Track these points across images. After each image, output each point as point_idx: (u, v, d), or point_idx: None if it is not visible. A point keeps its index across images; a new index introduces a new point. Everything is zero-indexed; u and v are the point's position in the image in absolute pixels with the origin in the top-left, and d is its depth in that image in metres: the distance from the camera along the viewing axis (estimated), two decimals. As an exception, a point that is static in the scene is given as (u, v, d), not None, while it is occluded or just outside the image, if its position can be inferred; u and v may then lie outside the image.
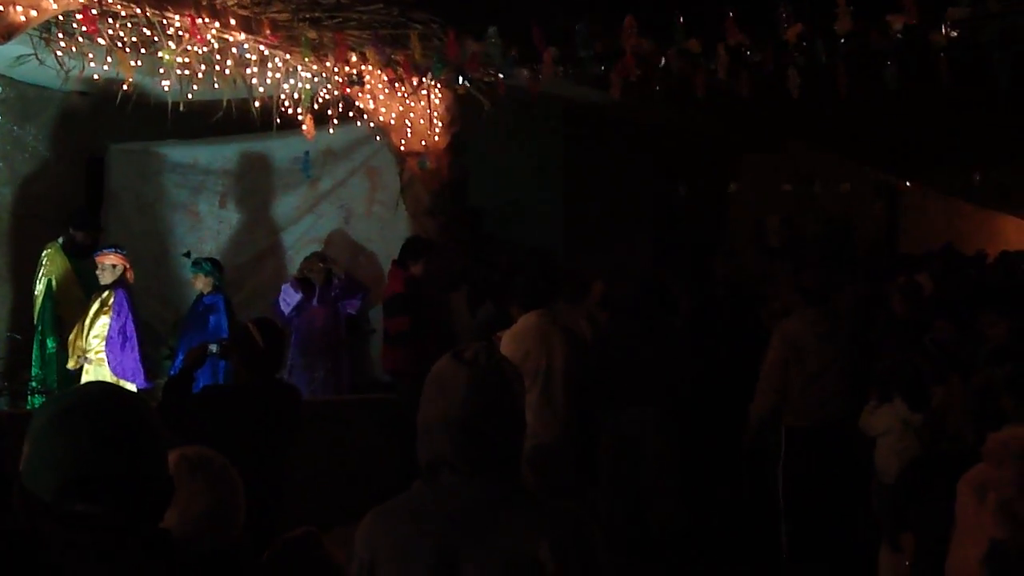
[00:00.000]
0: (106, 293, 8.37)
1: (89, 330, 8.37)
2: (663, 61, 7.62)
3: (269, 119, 8.18)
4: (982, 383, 6.14)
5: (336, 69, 8.15)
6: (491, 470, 2.33)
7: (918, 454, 6.44)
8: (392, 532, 2.35)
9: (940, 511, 4.44)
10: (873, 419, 6.94)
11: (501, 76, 8.36)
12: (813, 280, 7.25)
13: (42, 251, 8.89)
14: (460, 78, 8.39)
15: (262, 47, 7.63)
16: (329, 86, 8.43)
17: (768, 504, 7.44)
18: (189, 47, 7.10)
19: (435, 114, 9.02)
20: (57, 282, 8.76)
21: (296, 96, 8.14)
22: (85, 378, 8.22)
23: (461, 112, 9.24)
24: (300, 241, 9.99)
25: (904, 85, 7.30)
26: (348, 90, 8.38)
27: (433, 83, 8.61)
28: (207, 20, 7.03)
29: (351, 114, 8.81)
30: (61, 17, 6.85)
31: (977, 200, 22.25)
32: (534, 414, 6.54)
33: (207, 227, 10.25)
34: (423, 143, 9.10)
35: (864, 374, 7.24)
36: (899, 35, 6.88)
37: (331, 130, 8.78)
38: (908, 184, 18.34)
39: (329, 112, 8.57)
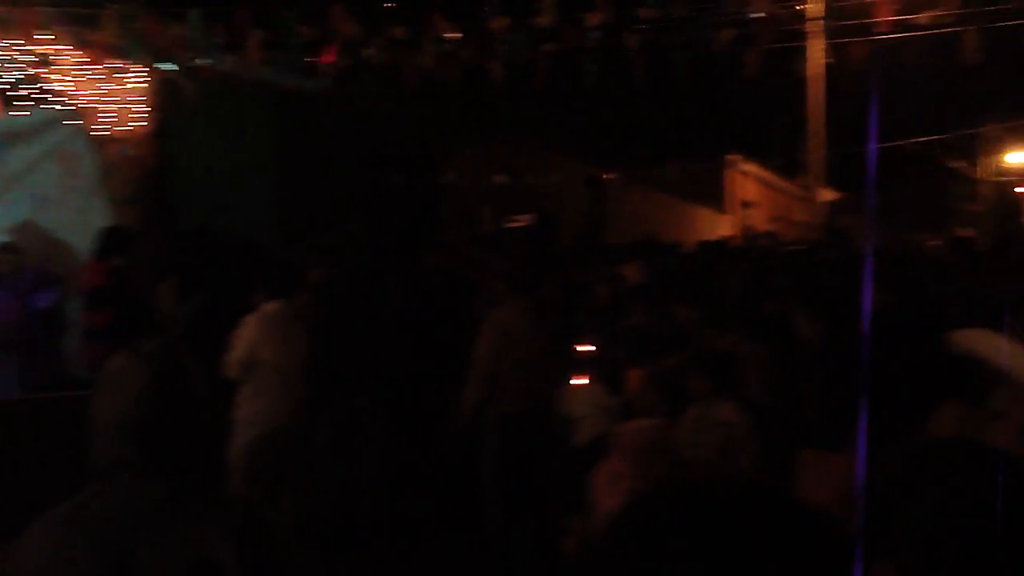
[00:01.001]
0: None
1: None
2: (370, 49, 7.61)
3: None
4: (671, 366, 6.51)
5: (24, 47, 7.64)
6: (172, 470, 2.24)
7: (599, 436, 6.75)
8: (60, 539, 2.20)
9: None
10: (573, 402, 7.20)
11: (205, 61, 8.10)
12: (521, 270, 7.41)
13: None
14: (161, 62, 8.07)
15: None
16: (16, 65, 7.89)
17: (480, 489, 7.56)
18: None
19: (136, 99, 8.62)
20: None
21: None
22: None
23: (169, 98, 8.88)
24: (-15, 231, 9.27)
25: (602, 80, 7.62)
26: (37, 70, 7.88)
27: (134, 66, 8.23)
28: None
29: (43, 96, 8.29)
30: None
31: (676, 192, 23.55)
32: (269, 402, 6.51)
33: None
34: (124, 128, 8.68)
35: (569, 359, 7.48)
36: (595, 32, 7.18)
37: (18, 112, 8.23)
38: (612, 177, 19.16)
39: (16, 93, 8.04)
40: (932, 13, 9.50)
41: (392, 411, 7.56)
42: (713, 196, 27.41)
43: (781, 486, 1.27)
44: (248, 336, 6.62)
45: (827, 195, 27.38)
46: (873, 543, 1.51)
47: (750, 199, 29.74)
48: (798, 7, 13.45)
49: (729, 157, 27.47)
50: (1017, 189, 61.49)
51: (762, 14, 8.01)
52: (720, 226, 26.48)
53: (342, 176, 12.62)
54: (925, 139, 18.24)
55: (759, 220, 28.39)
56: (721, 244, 14.27)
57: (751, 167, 29.19)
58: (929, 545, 1.42)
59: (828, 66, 15.47)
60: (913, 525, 1.46)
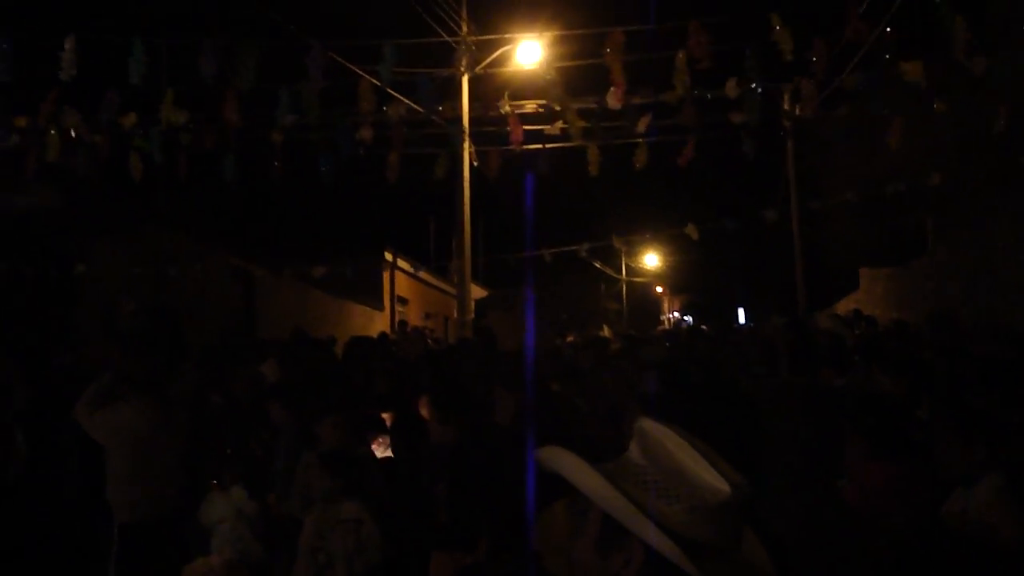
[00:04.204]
0: None
1: None
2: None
3: None
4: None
5: None
6: None
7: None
8: None
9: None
10: (209, 508, 6.91)
11: None
12: (138, 367, 6.92)
13: None
14: None
15: None
16: None
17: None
18: None
19: None
20: None
21: None
22: None
23: None
24: None
25: (243, 178, 7.57)
26: None
27: None
28: None
29: None
30: None
31: (332, 289, 23.59)
32: None
33: None
34: None
35: (204, 462, 7.17)
36: (237, 130, 7.15)
37: None
38: (263, 272, 18.88)
39: None
40: (556, 127, 10.16)
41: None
42: (369, 293, 27.69)
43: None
44: None
45: (477, 292, 28.36)
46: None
47: (404, 295, 30.27)
48: (444, 115, 13.96)
49: (385, 255, 27.94)
50: (657, 288, 66.76)
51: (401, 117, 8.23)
52: (377, 322, 26.74)
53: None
54: (570, 247, 19.42)
55: (413, 316, 28.93)
56: (372, 341, 14.28)
57: (406, 265, 29.81)
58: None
59: (476, 170, 16.11)
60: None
